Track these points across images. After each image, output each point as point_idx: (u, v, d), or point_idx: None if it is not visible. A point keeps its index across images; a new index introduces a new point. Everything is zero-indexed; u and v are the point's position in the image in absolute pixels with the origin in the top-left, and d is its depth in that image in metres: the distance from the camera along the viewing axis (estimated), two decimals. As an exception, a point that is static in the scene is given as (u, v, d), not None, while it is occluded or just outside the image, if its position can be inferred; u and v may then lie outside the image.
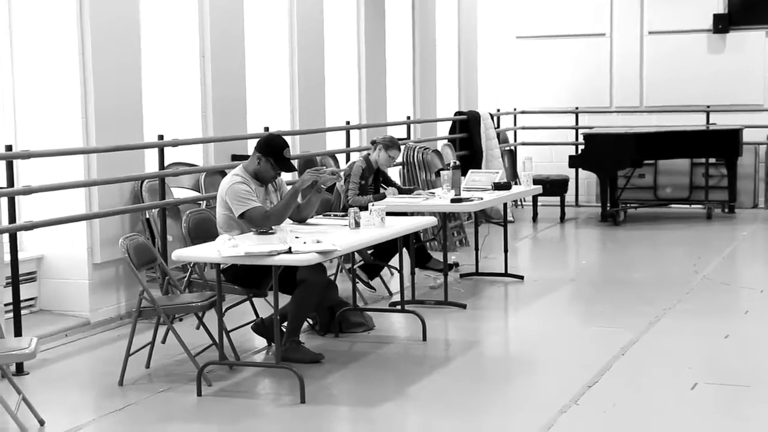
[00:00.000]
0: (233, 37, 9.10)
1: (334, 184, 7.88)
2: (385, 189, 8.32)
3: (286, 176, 7.16)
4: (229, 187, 6.28)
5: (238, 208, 6.23)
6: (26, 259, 7.35)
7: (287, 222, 6.48)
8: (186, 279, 6.60)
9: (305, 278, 6.10)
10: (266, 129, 8.86)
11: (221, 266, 5.87)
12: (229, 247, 5.55)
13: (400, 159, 10.64)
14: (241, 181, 6.30)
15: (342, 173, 8.12)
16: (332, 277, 8.26)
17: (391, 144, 8.23)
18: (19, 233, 6.49)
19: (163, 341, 6.54)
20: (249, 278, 6.23)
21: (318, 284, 6.19)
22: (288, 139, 9.89)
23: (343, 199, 8.11)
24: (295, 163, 9.09)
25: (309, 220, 6.80)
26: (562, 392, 5.62)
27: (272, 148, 6.39)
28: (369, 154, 8.30)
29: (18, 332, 6.30)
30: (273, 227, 6.21)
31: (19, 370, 6.19)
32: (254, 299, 6.63)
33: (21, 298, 6.41)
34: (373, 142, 8.32)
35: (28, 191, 6.52)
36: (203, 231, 6.53)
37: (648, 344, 6.70)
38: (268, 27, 10.10)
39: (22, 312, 6.59)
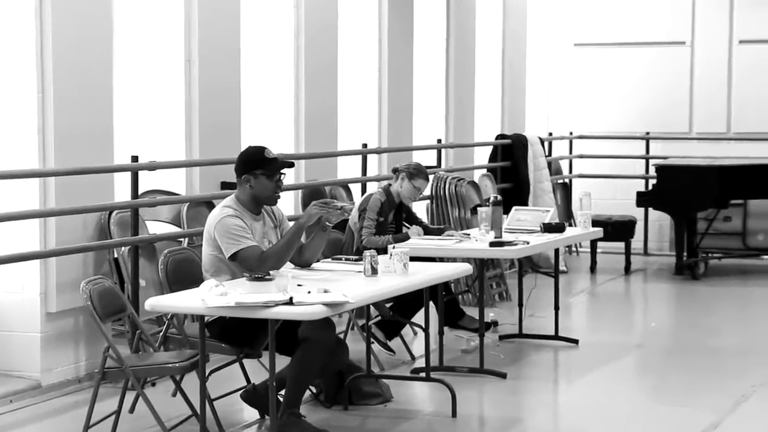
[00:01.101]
0: (226, 39, 9.17)
1: (345, 220, 7.90)
2: (409, 228, 8.32)
3: (287, 209, 7.16)
4: (218, 222, 6.30)
5: (229, 246, 6.24)
6: (-35, 306, 7.38)
7: (288, 266, 6.48)
8: (161, 334, 6.59)
9: (308, 336, 6.10)
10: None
11: (206, 319, 5.86)
12: (217, 296, 5.55)
13: (427, 191, 10.64)
14: (233, 214, 6.32)
15: (354, 207, 8.14)
16: (342, 336, 8.26)
17: (417, 172, 8.25)
18: (-43, 273, 6.51)
19: (131, 410, 6.52)
20: (239, 334, 6.22)
21: (324, 344, 6.18)
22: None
23: (356, 239, 8.12)
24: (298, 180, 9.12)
25: (315, 265, 6.80)
26: (624, 485, 5.59)
27: (252, 159, 6.43)
28: (390, 185, 8.31)
29: (-47, 395, 6.30)
30: (270, 272, 6.22)
31: (-47, 442, 6.20)
32: (245, 360, 6.62)
33: (-42, 354, 6.43)
34: (395, 170, 8.33)
35: (-30, 222, 6.55)
36: (184, 275, 6.53)
37: (732, 428, 6.64)
38: (270, 27, 10.16)
39: (-41, 371, 6.59)
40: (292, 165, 6.60)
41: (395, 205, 8.31)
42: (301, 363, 6.15)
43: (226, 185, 8.78)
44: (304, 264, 6.68)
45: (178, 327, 6.52)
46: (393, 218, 8.33)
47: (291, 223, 6.60)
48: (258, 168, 6.39)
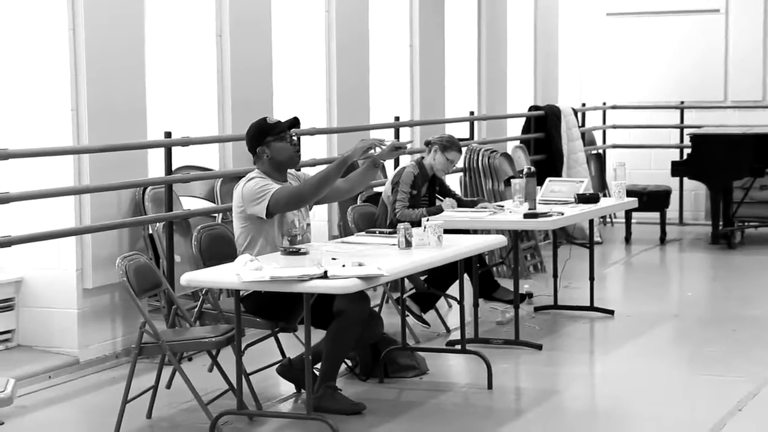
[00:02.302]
0: (258, 13, 9.16)
1: (378, 194, 7.89)
2: (442, 200, 8.32)
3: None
4: (243, 188, 6.32)
5: (260, 205, 6.24)
6: (2, 283, 7.43)
7: (322, 243, 6.48)
8: (197, 309, 6.63)
9: (343, 309, 6.11)
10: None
11: (241, 293, 5.89)
12: (251, 270, 5.57)
13: (460, 164, 10.63)
14: (254, 177, 6.35)
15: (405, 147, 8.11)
16: (376, 309, 8.28)
17: (450, 144, 8.24)
18: (-6, 251, 6.55)
19: (168, 386, 6.57)
20: (273, 309, 6.25)
21: (358, 317, 6.20)
22: (324, 138, 10.02)
23: (390, 212, 8.12)
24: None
25: (349, 239, 6.79)
26: (662, 455, 5.58)
27: (258, 132, 6.45)
28: (422, 158, 8.30)
29: (-9, 372, 6.36)
30: (304, 247, 6.23)
31: (-7, 418, 6.26)
32: (281, 335, 6.65)
33: (-4, 331, 6.48)
34: (428, 143, 8.33)
35: (5, 199, 6.59)
36: (218, 251, 6.55)
37: (771, 397, 6.64)
38: (301, 0, 10.15)
39: (-3, 347, 6.65)
40: (297, 122, 6.57)
41: (428, 178, 8.31)
42: (336, 336, 6.17)
43: (258, 161, 8.77)
44: (342, 195, 6.68)
45: (213, 302, 6.55)
46: (426, 191, 8.33)
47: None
48: (266, 136, 6.42)
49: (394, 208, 8.06)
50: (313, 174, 6.42)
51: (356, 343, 6.49)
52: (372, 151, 6.44)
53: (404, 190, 8.09)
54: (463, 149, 10.58)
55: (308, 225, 6.58)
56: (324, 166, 6.60)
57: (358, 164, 6.76)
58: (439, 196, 8.42)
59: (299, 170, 6.71)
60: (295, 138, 6.51)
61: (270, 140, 6.42)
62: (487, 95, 12.98)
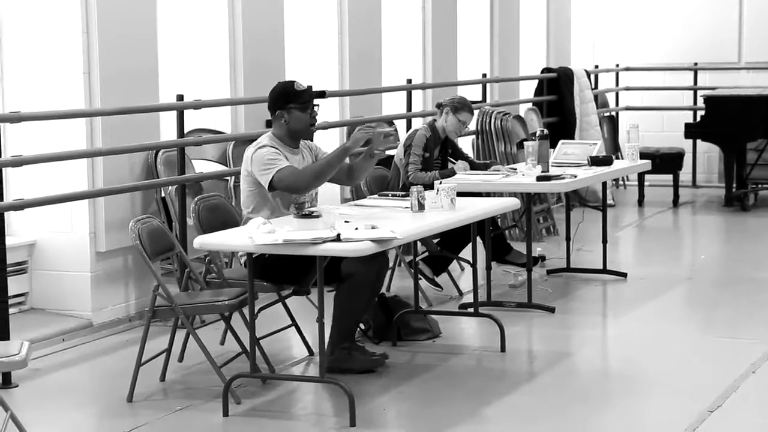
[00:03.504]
0: (269, -25, 9.12)
1: (391, 156, 7.86)
2: (455, 163, 8.29)
3: (332, 145, 7.13)
4: (252, 156, 6.30)
5: (265, 175, 6.23)
6: (15, 246, 7.43)
7: (335, 206, 6.47)
8: (202, 278, 6.59)
9: (351, 273, 6.11)
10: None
11: (255, 255, 5.88)
12: (264, 233, 5.56)
13: (473, 126, 10.60)
14: (266, 145, 6.32)
15: (399, 141, 8.10)
16: (389, 271, 8.28)
17: (461, 106, 8.21)
18: (6, 214, 6.55)
19: (182, 350, 6.58)
20: (280, 272, 6.23)
21: (367, 279, 6.20)
22: (336, 101, 10.00)
23: (402, 175, 8.10)
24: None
25: (362, 201, 6.78)
26: (675, 419, 5.57)
27: (283, 95, 6.41)
28: (435, 120, 8.28)
29: (5, 335, 6.37)
30: (316, 208, 6.22)
31: (6, 381, 6.28)
32: (296, 297, 6.65)
33: (9, 294, 6.48)
34: (439, 105, 8.29)
35: (18, 162, 6.59)
36: (216, 221, 6.49)
37: (784, 360, 6.63)
38: (312, -38, 10.11)
39: (10, 311, 6.66)
40: (323, 95, 6.56)
41: (441, 141, 8.28)
42: (345, 300, 6.18)
43: (270, 123, 8.75)
44: (347, 184, 6.73)
45: (218, 270, 6.54)
46: (439, 154, 8.30)
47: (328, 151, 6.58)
48: (290, 102, 6.38)
49: (406, 171, 8.04)
50: (315, 163, 6.37)
51: (367, 304, 6.47)
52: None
53: (417, 153, 8.07)
54: (476, 112, 10.56)
55: (316, 193, 6.57)
56: (337, 132, 6.58)
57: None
58: (451, 159, 8.40)
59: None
60: (317, 110, 6.48)
61: (292, 107, 6.39)
62: (499, 57, 12.93)
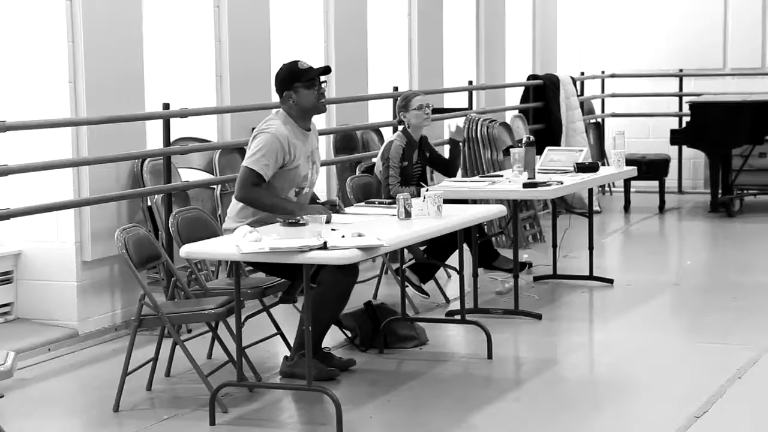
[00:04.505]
0: (255, -17, 9.12)
1: (372, 165, 7.86)
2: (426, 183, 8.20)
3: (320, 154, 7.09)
4: (255, 136, 6.35)
5: (250, 155, 6.29)
6: (1, 256, 7.42)
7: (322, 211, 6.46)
8: (184, 294, 6.56)
9: (322, 281, 6.10)
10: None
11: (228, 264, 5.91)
12: (251, 242, 5.55)
13: (464, 135, 10.62)
14: (273, 133, 6.31)
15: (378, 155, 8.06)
16: (376, 280, 8.28)
17: (405, 97, 8.03)
18: (-8, 224, 6.54)
19: (167, 373, 6.54)
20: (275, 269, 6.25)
21: (335, 290, 6.18)
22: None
23: (383, 188, 8.07)
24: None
25: (348, 209, 6.78)
26: (662, 425, 5.57)
27: (288, 75, 6.44)
28: (406, 127, 8.16)
29: (-9, 345, 6.36)
30: (304, 217, 6.22)
31: (-7, 391, 6.26)
32: (273, 308, 6.64)
33: (-5, 304, 6.48)
34: (399, 121, 8.18)
35: (3, 171, 6.57)
36: (195, 233, 6.44)
37: (770, 365, 6.64)
38: (298, -30, 10.12)
39: (-3, 320, 6.65)
40: (328, 70, 6.56)
41: (417, 145, 8.21)
42: (312, 307, 6.16)
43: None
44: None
45: (201, 282, 6.53)
46: (418, 158, 8.23)
47: (319, 156, 6.66)
48: (296, 81, 6.41)
49: (387, 185, 7.95)
50: (278, 200, 6.34)
51: (334, 316, 6.44)
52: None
53: (395, 165, 7.99)
54: (462, 119, 10.57)
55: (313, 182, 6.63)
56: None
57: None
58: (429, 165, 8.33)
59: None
60: (324, 86, 6.49)
61: (298, 86, 6.41)
62: (485, 64, 12.95)
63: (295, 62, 6.49)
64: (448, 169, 8.36)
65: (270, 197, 6.33)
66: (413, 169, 8.13)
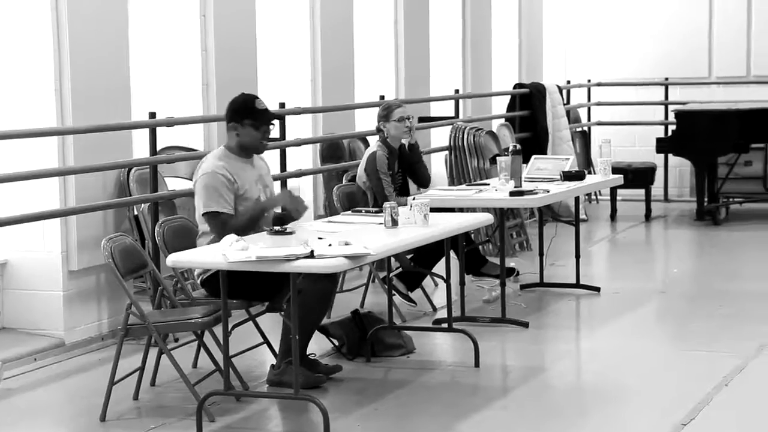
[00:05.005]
0: (241, -8, 9.12)
1: (354, 176, 7.85)
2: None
3: (305, 162, 7.15)
4: (201, 177, 6.33)
5: (206, 203, 6.27)
6: (-13, 265, 7.41)
7: (308, 221, 6.47)
8: (169, 302, 6.55)
9: (302, 289, 6.09)
10: (282, 105, 8.87)
11: (202, 276, 5.92)
12: (238, 250, 5.54)
13: (446, 142, 10.61)
14: (215, 172, 6.30)
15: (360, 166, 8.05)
16: (362, 288, 8.28)
17: (386, 108, 8.08)
18: (-22, 233, 6.52)
19: (156, 367, 6.54)
20: (253, 288, 6.22)
21: (315, 297, 6.17)
22: (309, 117, 10.00)
23: (370, 197, 8.07)
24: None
25: (335, 218, 6.78)
26: (649, 432, 5.58)
27: (242, 108, 6.43)
28: (384, 137, 8.17)
29: (-23, 355, 6.34)
30: (288, 227, 6.22)
31: (-21, 401, 6.24)
32: (259, 316, 6.63)
33: (-19, 313, 6.46)
34: (377, 129, 8.19)
35: (-11, 181, 6.56)
36: (181, 243, 6.44)
37: (757, 372, 6.64)
38: (284, -21, 10.12)
39: (-18, 330, 6.63)
40: (281, 119, 6.57)
41: (397, 154, 8.23)
42: (294, 315, 6.16)
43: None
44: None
45: (187, 291, 6.52)
46: (398, 167, 8.26)
47: (271, 179, 6.66)
48: (246, 117, 6.40)
49: (384, 196, 7.94)
50: (240, 217, 6.33)
51: (318, 321, 6.45)
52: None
53: (385, 171, 8.02)
54: (448, 128, 10.59)
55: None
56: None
57: None
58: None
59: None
60: (270, 132, 6.50)
61: (247, 123, 6.41)
62: (472, 73, 12.96)
63: (254, 98, 6.47)
64: (422, 181, 8.37)
65: (240, 219, 6.32)
66: (396, 175, 8.16)
